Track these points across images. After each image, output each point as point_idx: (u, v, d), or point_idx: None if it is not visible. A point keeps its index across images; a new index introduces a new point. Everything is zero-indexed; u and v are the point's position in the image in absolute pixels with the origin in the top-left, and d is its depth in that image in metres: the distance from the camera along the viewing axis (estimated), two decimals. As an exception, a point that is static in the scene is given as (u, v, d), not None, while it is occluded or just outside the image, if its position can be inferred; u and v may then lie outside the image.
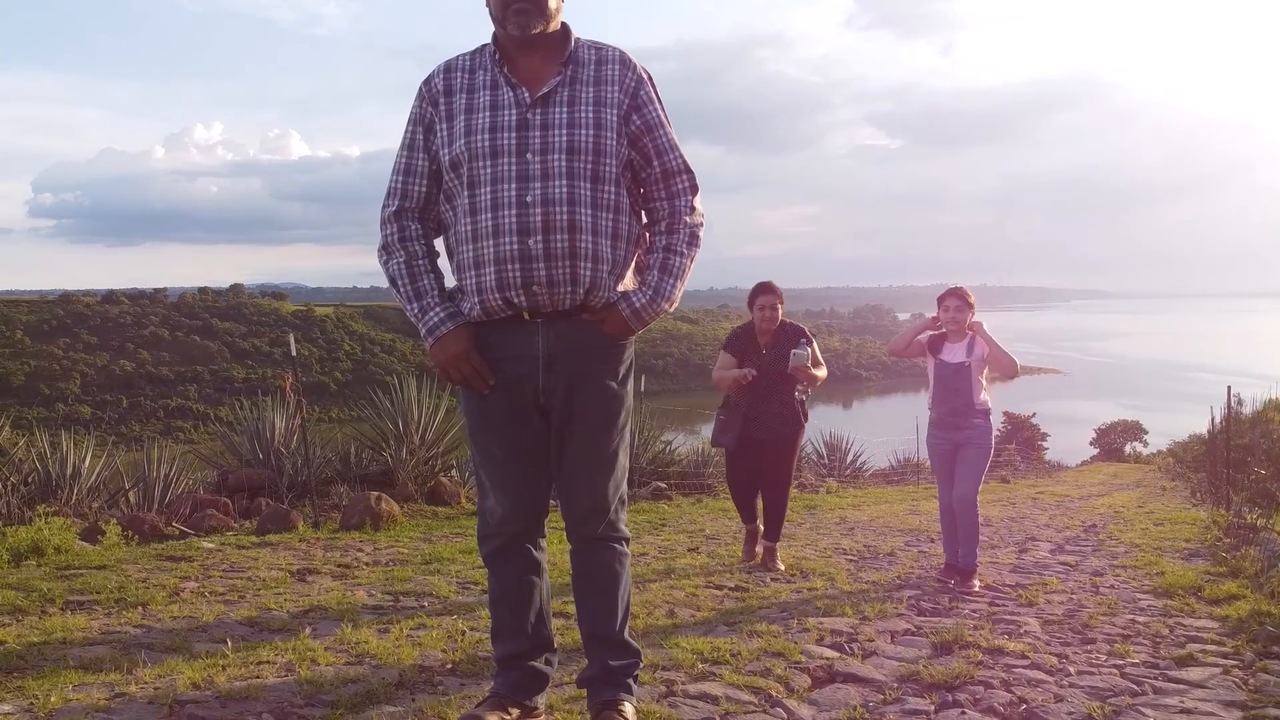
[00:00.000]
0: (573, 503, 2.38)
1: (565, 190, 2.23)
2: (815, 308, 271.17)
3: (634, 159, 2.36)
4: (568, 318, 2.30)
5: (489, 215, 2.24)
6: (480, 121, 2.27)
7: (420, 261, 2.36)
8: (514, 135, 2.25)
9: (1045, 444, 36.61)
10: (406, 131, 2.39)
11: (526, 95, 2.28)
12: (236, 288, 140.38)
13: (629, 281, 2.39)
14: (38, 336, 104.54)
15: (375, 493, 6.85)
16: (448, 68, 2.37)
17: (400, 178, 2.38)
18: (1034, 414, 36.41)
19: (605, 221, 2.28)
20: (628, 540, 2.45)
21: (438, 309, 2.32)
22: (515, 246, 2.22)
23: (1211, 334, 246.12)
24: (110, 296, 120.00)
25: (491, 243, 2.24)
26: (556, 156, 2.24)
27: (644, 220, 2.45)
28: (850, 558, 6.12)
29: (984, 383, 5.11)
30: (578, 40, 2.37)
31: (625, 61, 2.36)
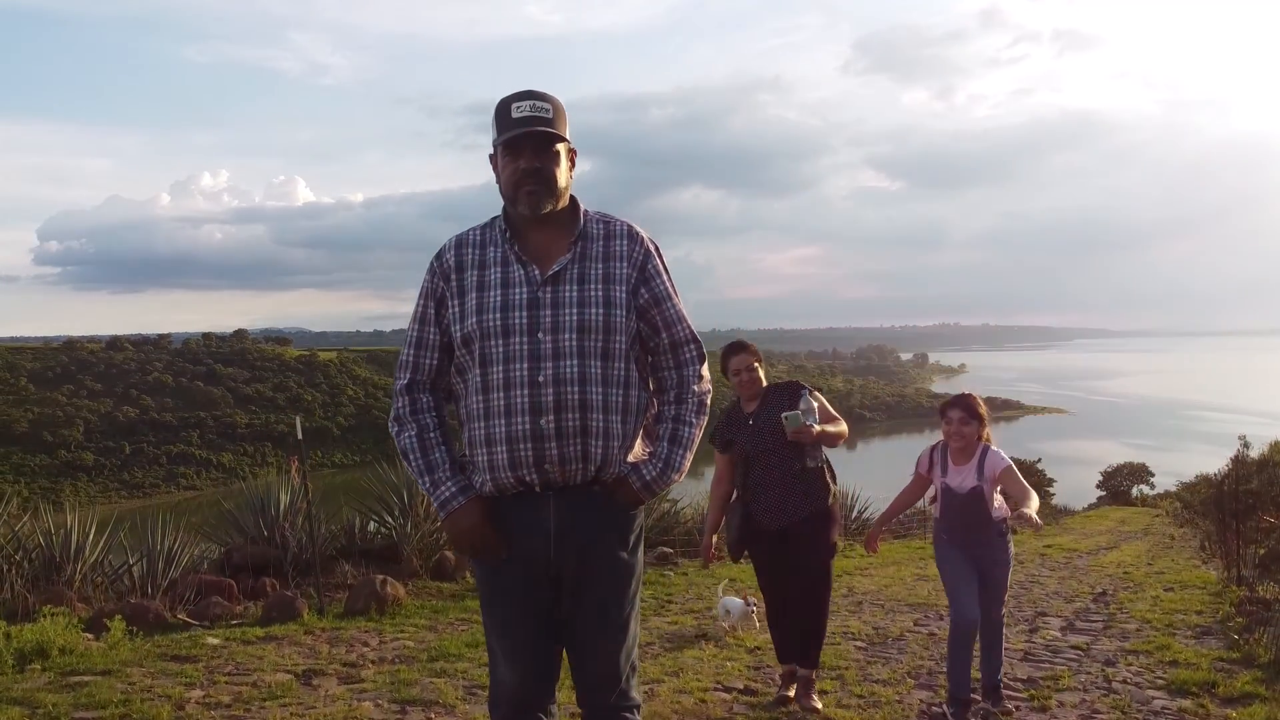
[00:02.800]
0: (584, 672, 2.38)
1: (577, 369, 2.25)
2: (818, 348, 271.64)
3: (642, 329, 2.40)
4: (578, 491, 2.31)
5: (501, 394, 2.26)
6: (492, 299, 2.30)
7: (432, 434, 2.38)
8: (525, 314, 2.28)
9: (1052, 490, 36.34)
10: (418, 304, 2.43)
11: (537, 273, 2.32)
12: (240, 333, 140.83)
13: (638, 448, 2.42)
14: (41, 383, 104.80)
15: (380, 576, 6.82)
16: (459, 243, 2.41)
17: (412, 351, 2.41)
18: (1039, 459, 36.19)
19: (616, 397, 2.31)
20: (639, 707, 2.44)
21: (449, 483, 2.34)
22: (528, 426, 2.24)
23: (1216, 372, 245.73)
24: (114, 343, 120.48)
25: (504, 421, 2.26)
26: (568, 335, 2.27)
27: (652, 387, 2.48)
28: (859, 644, 6.06)
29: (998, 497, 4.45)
30: (586, 214, 2.41)
31: (633, 235, 2.40)
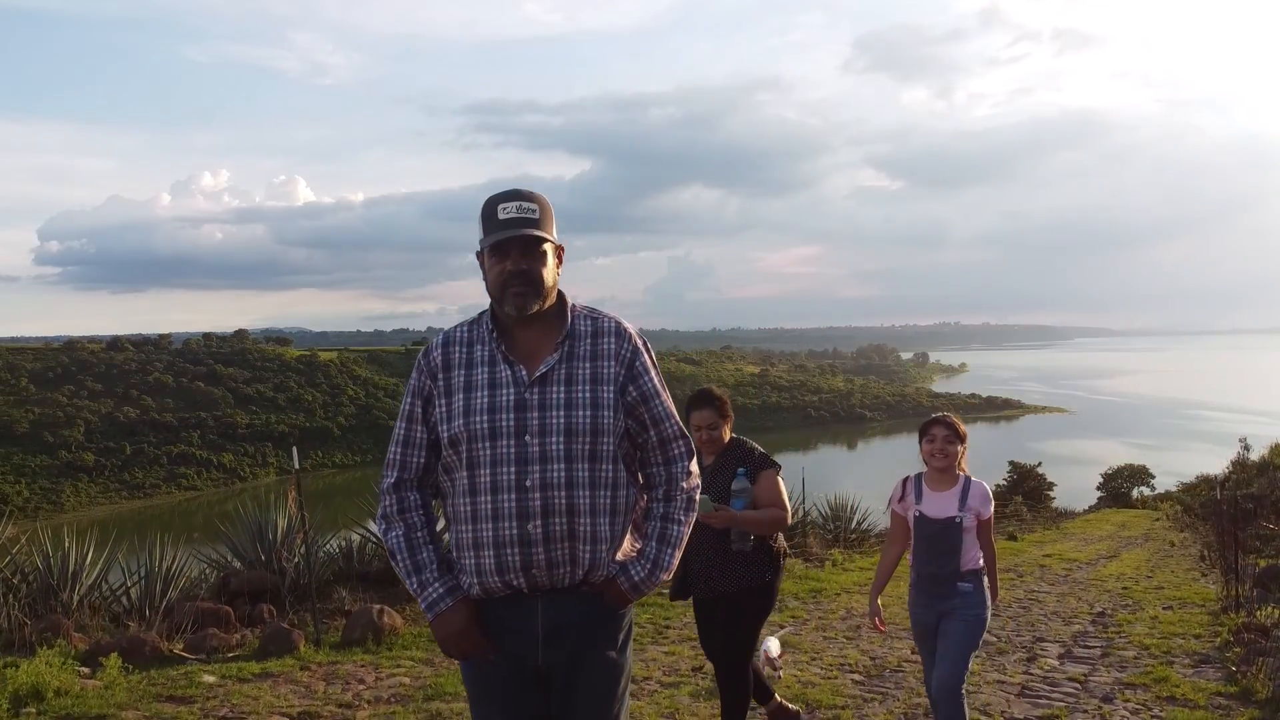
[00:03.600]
0: None
1: (564, 474, 2.24)
2: (819, 348, 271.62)
3: (630, 426, 2.38)
4: (567, 593, 2.30)
5: (488, 498, 2.25)
6: (479, 401, 2.29)
7: (419, 534, 2.36)
8: (512, 416, 2.27)
9: (1052, 494, 36.35)
10: (406, 402, 2.41)
11: (524, 374, 2.31)
12: (240, 333, 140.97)
13: (626, 545, 2.40)
14: (42, 384, 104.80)
15: (378, 606, 6.81)
16: (446, 341, 2.40)
17: (399, 449, 2.40)
18: (1039, 463, 36.15)
19: (604, 500, 2.29)
20: None
21: (437, 584, 2.32)
22: (515, 531, 2.23)
23: (1217, 371, 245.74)
24: (115, 343, 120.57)
25: (490, 525, 2.25)
26: (554, 439, 2.26)
27: (640, 482, 2.46)
28: (856, 678, 6.05)
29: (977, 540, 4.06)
30: (574, 310, 2.41)
31: (620, 332, 2.39)
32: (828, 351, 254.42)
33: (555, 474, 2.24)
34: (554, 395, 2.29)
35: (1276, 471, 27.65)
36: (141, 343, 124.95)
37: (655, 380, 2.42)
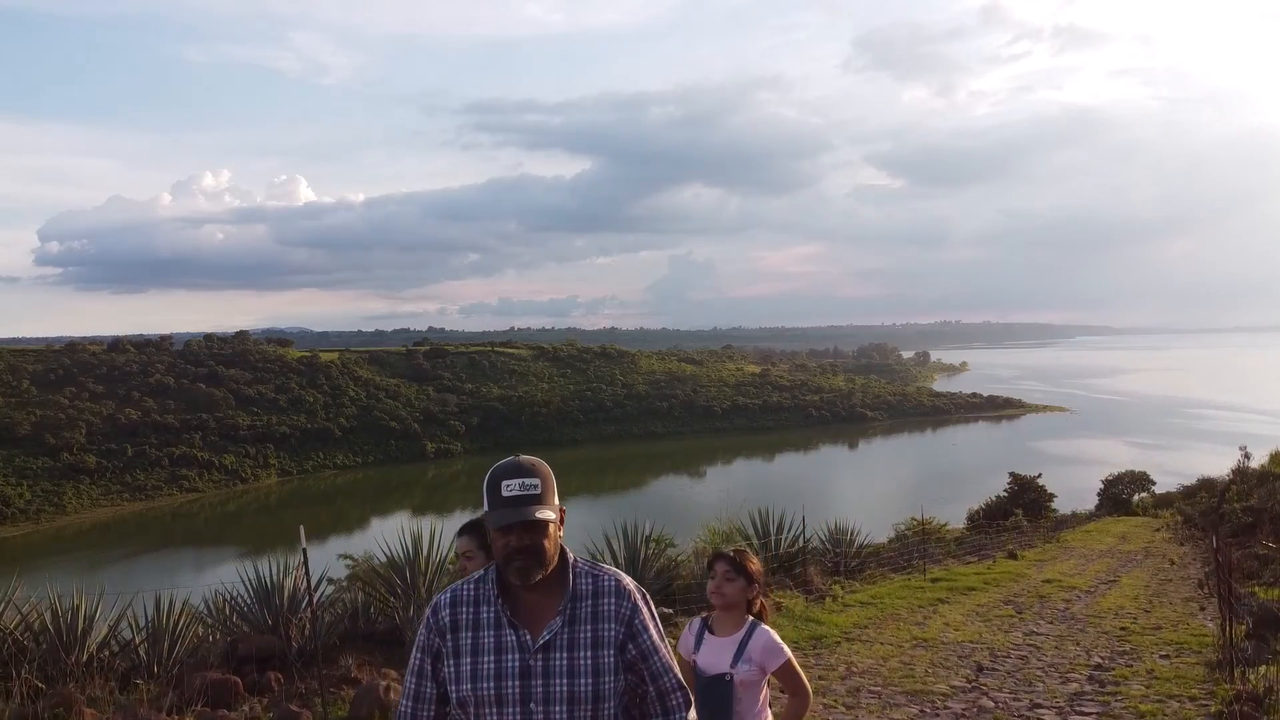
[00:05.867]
0: None
1: None
2: (820, 346, 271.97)
3: (629, 679, 2.51)
4: None
5: None
6: (485, 666, 2.40)
7: None
8: (518, 683, 2.38)
9: (1052, 505, 36.28)
10: (414, 657, 2.53)
11: (529, 638, 2.43)
12: (242, 334, 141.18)
13: None
14: (44, 385, 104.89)
15: (383, 681, 6.80)
16: (454, 600, 2.51)
17: (409, 703, 2.51)
18: (1040, 474, 36.07)
19: None
20: None
21: None
22: None
23: (1218, 370, 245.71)
24: (116, 344, 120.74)
25: None
26: (558, 708, 2.38)
27: None
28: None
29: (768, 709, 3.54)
30: (575, 569, 2.51)
31: (620, 592, 2.50)
32: (829, 350, 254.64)
33: None
34: (557, 662, 2.40)
35: (1277, 481, 27.61)
36: (143, 344, 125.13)
37: (654, 636, 2.53)
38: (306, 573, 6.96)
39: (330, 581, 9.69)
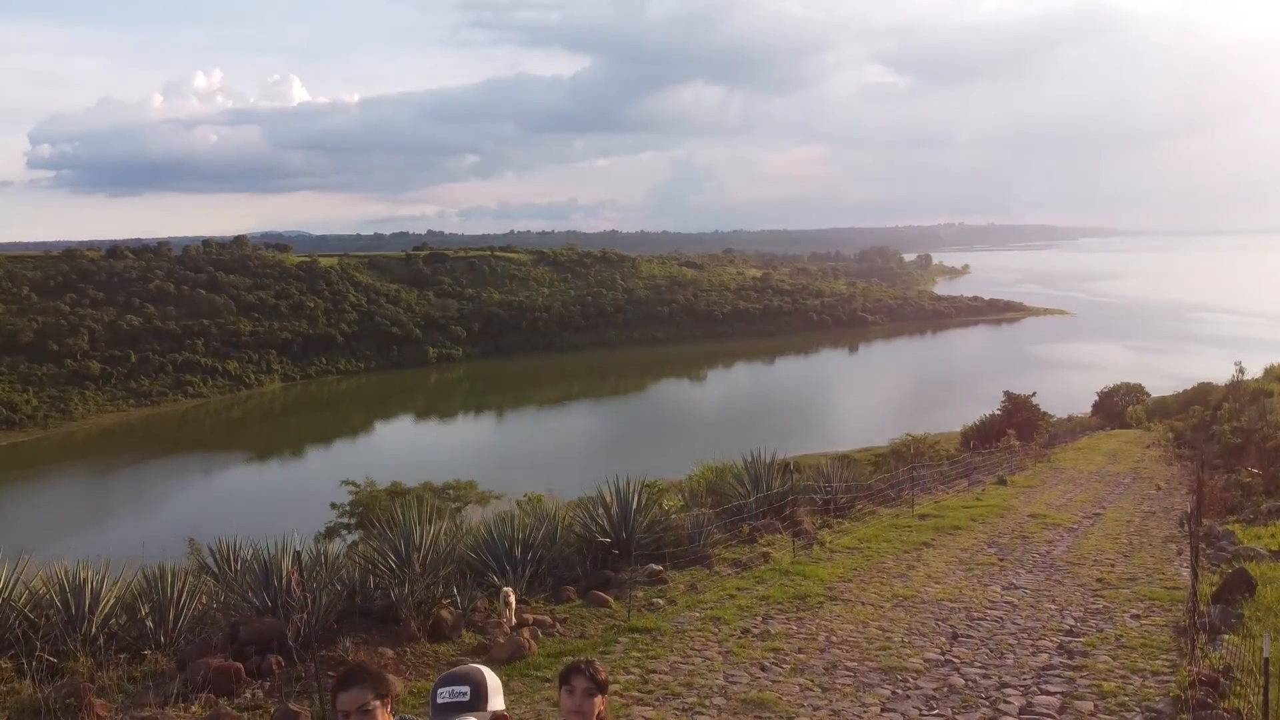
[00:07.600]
0: None
1: None
2: (821, 249, 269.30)
3: None
4: None
5: None
6: None
7: None
8: None
9: (1047, 417, 36.68)
10: None
11: None
12: (240, 239, 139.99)
13: None
14: (44, 293, 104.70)
15: (379, 667, 7.07)
16: None
17: None
18: (1034, 393, 36.23)
19: None
20: None
21: None
22: None
23: (1220, 271, 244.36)
24: (114, 251, 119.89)
25: None
26: None
27: None
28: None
29: None
30: None
31: None
32: (830, 254, 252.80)
33: None
34: None
35: (1268, 398, 27.88)
36: (141, 250, 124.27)
37: None
38: (301, 584, 7.17)
39: (334, 506, 9.92)
